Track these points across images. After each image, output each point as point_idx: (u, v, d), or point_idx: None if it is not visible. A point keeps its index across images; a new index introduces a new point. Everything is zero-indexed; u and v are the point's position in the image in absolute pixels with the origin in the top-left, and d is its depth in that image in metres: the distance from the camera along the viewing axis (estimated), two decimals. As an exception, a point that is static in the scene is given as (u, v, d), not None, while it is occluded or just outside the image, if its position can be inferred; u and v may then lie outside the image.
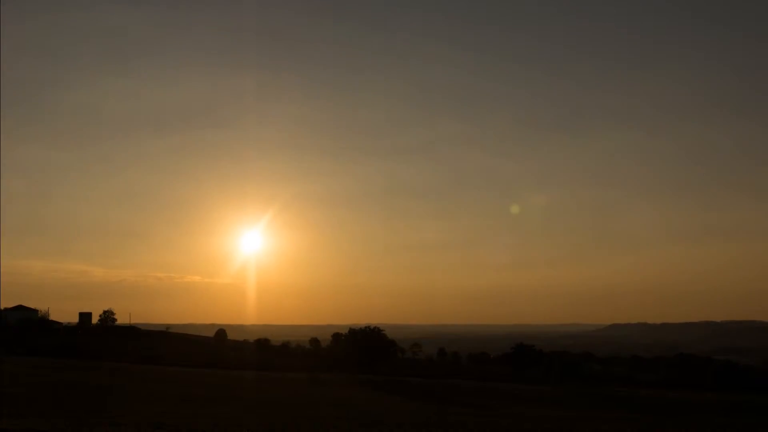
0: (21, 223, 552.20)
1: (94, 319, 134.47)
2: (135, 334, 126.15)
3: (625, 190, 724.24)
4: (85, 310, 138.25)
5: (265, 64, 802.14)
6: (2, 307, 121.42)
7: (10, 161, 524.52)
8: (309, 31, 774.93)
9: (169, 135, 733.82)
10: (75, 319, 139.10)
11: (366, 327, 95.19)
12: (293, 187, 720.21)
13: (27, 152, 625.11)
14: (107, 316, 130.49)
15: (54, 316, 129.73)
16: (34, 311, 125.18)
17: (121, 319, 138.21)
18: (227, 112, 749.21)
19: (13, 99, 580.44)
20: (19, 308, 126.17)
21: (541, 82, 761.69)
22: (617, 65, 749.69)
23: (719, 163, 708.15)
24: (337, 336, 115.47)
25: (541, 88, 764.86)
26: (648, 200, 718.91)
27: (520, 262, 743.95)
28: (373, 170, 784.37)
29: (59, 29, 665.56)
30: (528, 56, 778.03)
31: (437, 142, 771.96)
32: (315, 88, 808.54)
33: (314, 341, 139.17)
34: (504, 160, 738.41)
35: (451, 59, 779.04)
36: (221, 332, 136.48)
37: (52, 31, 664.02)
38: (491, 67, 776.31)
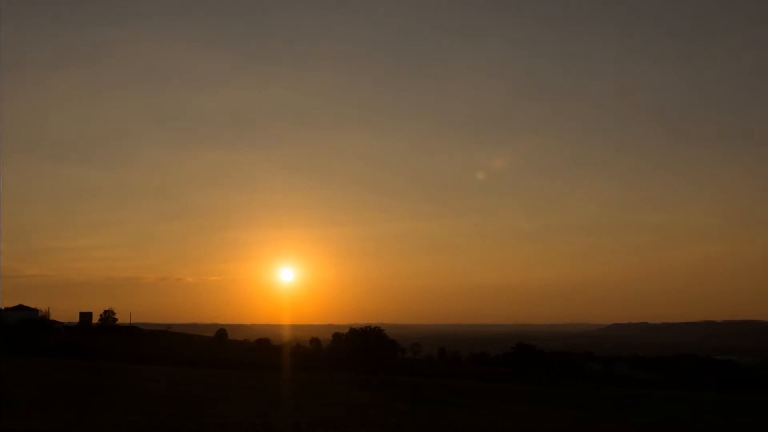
0: (21, 222, 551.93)
1: (95, 319, 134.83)
2: (135, 333, 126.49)
3: (625, 190, 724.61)
4: (86, 310, 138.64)
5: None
6: (2, 307, 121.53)
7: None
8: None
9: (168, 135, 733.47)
10: (75, 319, 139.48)
11: (366, 327, 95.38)
12: (296, 189, 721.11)
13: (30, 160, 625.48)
14: (108, 315, 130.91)
15: (54, 316, 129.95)
16: (34, 311, 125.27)
17: (122, 318, 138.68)
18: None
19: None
20: (19, 308, 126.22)
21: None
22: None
23: (719, 162, 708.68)
24: (337, 336, 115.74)
25: (537, 81, 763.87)
26: (648, 200, 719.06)
27: (521, 262, 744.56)
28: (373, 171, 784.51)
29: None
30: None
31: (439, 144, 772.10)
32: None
33: (315, 341, 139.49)
34: (500, 161, 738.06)
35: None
36: (222, 332, 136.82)
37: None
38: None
